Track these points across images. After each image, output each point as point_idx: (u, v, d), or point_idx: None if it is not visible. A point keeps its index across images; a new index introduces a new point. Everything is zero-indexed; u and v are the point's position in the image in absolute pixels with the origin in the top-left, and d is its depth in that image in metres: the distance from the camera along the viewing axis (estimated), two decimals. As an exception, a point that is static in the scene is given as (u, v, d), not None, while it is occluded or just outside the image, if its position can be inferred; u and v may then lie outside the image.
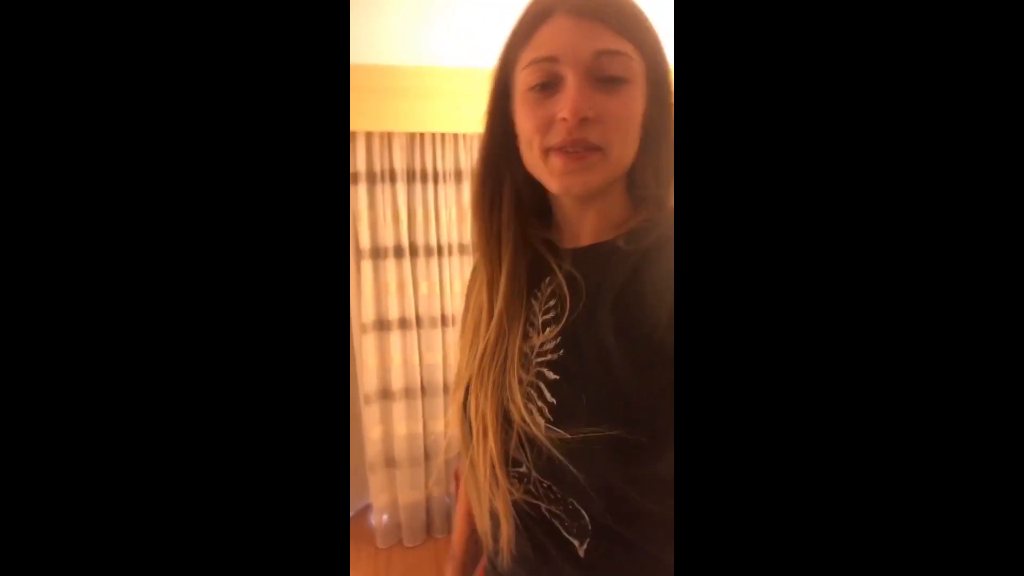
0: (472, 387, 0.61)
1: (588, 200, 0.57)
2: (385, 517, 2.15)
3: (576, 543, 0.55)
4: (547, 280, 0.60)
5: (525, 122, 0.53)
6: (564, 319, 0.56)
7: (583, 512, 0.54)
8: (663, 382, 0.47)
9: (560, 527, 0.56)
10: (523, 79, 0.53)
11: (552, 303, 0.58)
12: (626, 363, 0.51)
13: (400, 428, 2.11)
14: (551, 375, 0.55)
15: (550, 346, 0.56)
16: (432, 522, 2.23)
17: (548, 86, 0.51)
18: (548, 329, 0.57)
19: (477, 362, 0.61)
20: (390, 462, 2.14)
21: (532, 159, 0.55)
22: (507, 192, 0.60)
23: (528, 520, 0.59)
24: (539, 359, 0.57)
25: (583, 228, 0.60)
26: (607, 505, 0.53)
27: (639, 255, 0.54)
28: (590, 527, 0.54)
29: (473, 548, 0.76)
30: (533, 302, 0.60)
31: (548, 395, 0.54)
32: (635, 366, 0.51)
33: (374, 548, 2.15)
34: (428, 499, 2.20)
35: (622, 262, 0.54)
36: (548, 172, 0.53)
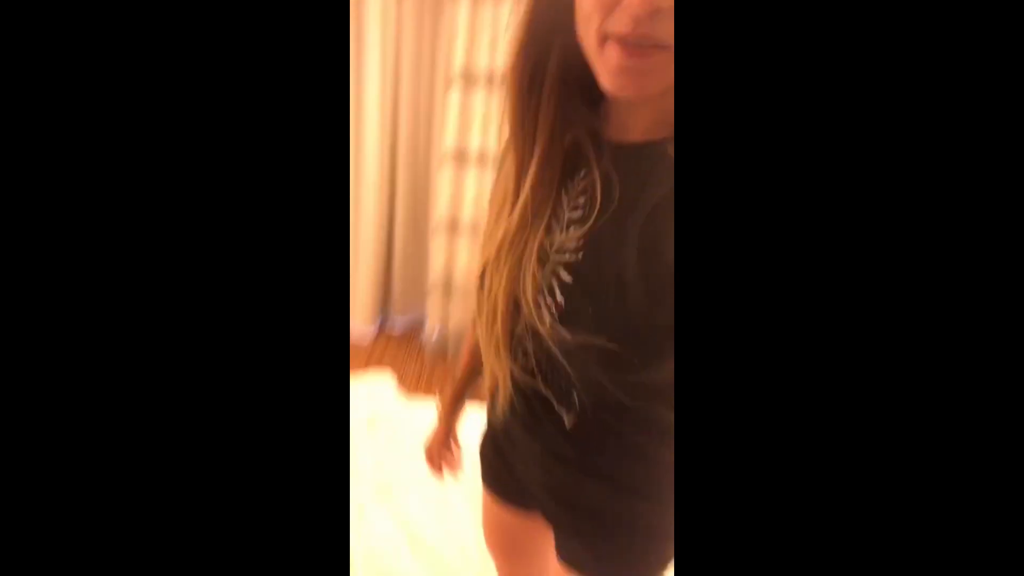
0: (488, 269, 0.60)
1: (638, 102, 0.50)
2: (435, 335, 2.35)
3: (565, 417, 0.60)
4: (582, 173, 0.55)
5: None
6: (591, 222, 0.53)
7: (574, 398, 0.59)
8: (670, 319, 0.46)
9: (553, 401, 0.61)
10: None
11: (582, 200, 0.54)
12: (640, 287, 0.50)
13: (462, 259, 2.21)
14: (566, 276, 0.55)
15: (571, 246, 0.54)
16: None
17: None
18: (572, 228, 0.54)
19: (495, 246, 0.59)
20: (447, 288, 2.27)
21: (588, 41, 0.46)
22: (553, 65, 0.52)
23: (525, 389, 0.63)
24: (557, 257, 0.55)
25: (633, 121, 0.53)
26: (595, 400, 0.58)
27: None
28: (578, 407, 0.59)
29: (472, 376, 0.83)
30: (563, 195, 0.56)
31: (559, 295, 0.55)
32: (648, 294, 0.50)
33: (421, 360, 2.39)
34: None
35: (666, 172, 0.48)
36: (602, 63, 0.45)
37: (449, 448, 0.86)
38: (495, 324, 0.60)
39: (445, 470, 0.87)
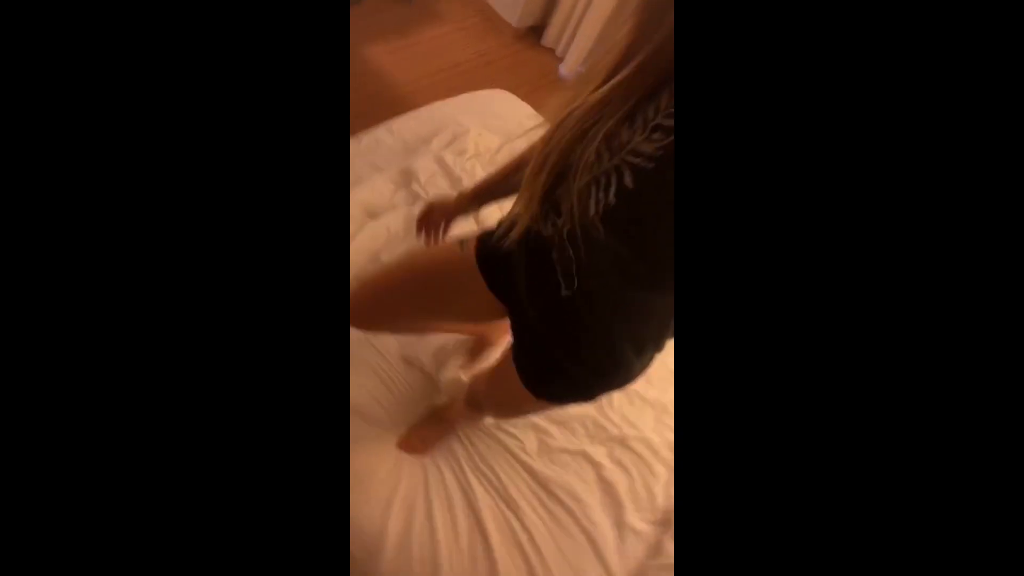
0: (560, 121, 0.58)
1: None
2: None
3: (562, 285, 0.64)
4: None
5: None
6: (671, 143, 0.50)
7: (575, 279, 0.63)
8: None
9: (558, 269, 0.64)
10: None
11: (673, 111, 0.51)
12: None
13: None
14: (628, 180, 0.53)
15: (647, 151, 0.52)
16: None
17: None
18: (657, 135, 0.51)
19: (573, 107, 0.56)
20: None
21: None
22: None
23: (535, 244, 0.67)
24: (629, 157, 0.53)
25: None
26: (595, 290, 0.62)
27: None
28: (575, 286, 0.63)
29: (507, 184, 0.84)
30: (664, 95, 0.52)
31: (612, 195, 0.54)
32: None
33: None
34: None
35: None
36: None
37: (441, 225, 0.91)
38: (539, 175, 0.60)
39: (425, 235, 0.93)
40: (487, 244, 0.79)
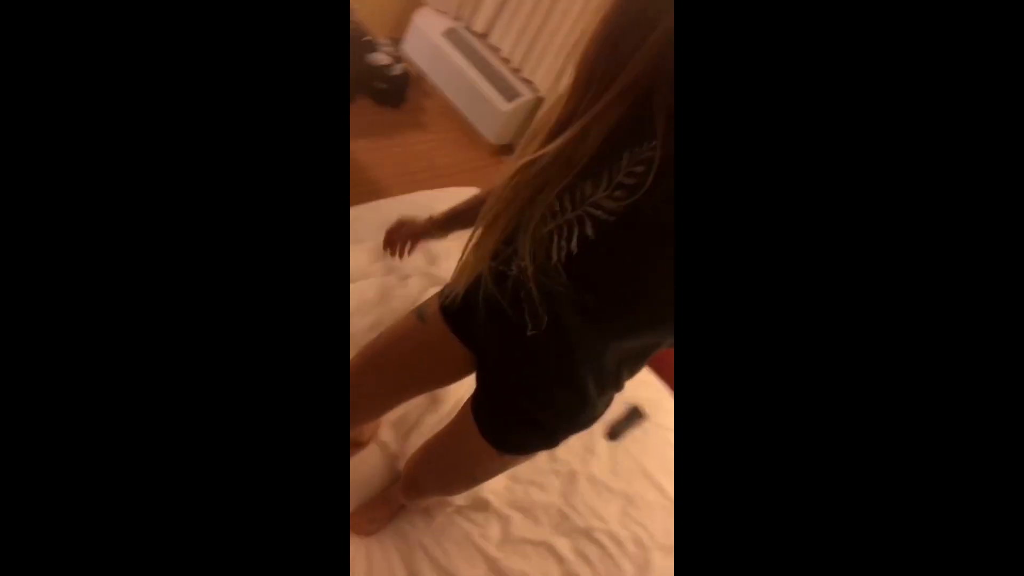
0: (521, 167, 0.59)
1: None
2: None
3: (530, 324, 0.65)
4: (650, 144, 0.54)
5: None
6: (637, 196, 0.53)
7: (542, 319, 0.64)
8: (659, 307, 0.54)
9: (524, 307, 0.65)
10: None
11: (639, 170, 0.54)
12: (653, 278, 0.54)
13: None
14: (590, 231, 0.56)
15: (609, 206, 0.55)
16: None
17: None
18: (618, 192, 0.54)
19: (536, 152, 0.57)
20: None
21: None
22: (665, 24, 0.49)
23: (500, 285, 0.67)
24: (591, 209, 0.56)
25: None
26: (557, 332, 0.63)
27: None
28: (542, 326, 0.64)
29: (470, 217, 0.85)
30: (624, 156, 0.55)
31: (575, 243, 0.57)
32: (657, 284, 0.54)
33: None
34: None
35: None
36: None
37: (408, 243, 0.93)
38: (500, 219, 0.61)
39: (391, 248, 0.94)
40: (451, 297, 0.79)
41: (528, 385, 0.71)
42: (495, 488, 1.26)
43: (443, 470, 0.91)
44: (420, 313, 0.85)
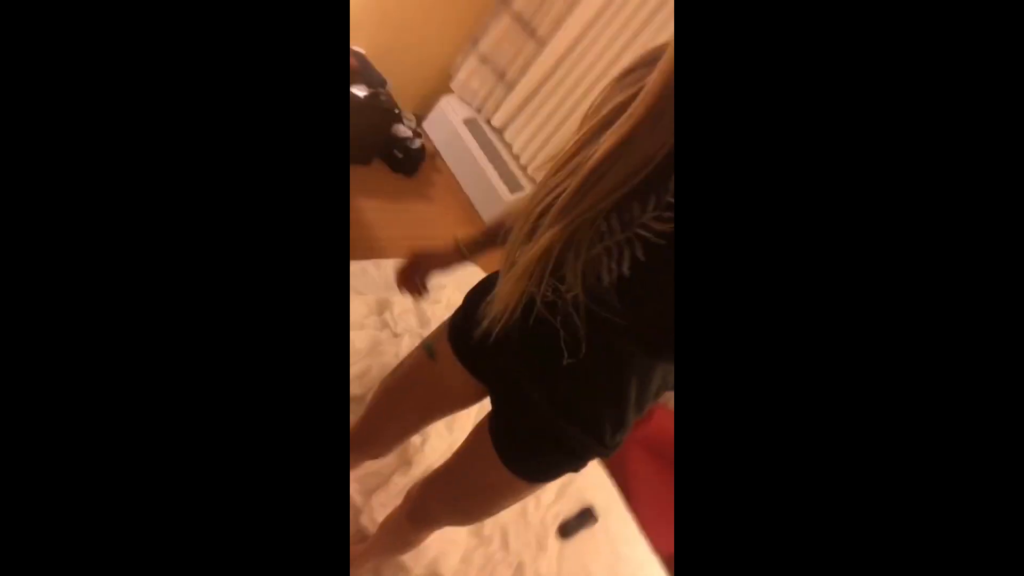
0: (564, 177, 0.57)
1: None
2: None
3: (565, 353, 0.64)
4: None
5: None
6: None
7: (582, 347, 0.62)
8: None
9: (561, 334, 0.63)
10: None
11: None
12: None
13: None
14: (640, 254, 0.55)
15: (659, 228, 0.54)
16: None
17: None
18: (668, 212, 0.53)
19: (589, 163, 0.55)
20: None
21: None
22: None
23: (533, 314, 0.65)
24: (641, 231, 0.55)
25: None
26: (599, 357, 0.62)
27: None
28: (581, 354, 0.62)
29: (490, 244, 0.84)
30: (672, 175, 0.54)
31: (626, 267, 0.56)
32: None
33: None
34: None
35: None
36: None
37: (419, 279, 0.90)
38: (537, 242, 0.59)
39: (408, 289, 0.91)
40: (464, 332, 0.78)
41: (564, 410, 0.68)
42: (449, 567, 1.24)
43: (459, 498, 0.87)
44: (429, 349, 0.84)
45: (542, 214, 0.59)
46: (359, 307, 1.53)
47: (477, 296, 0.77)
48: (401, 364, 0.90)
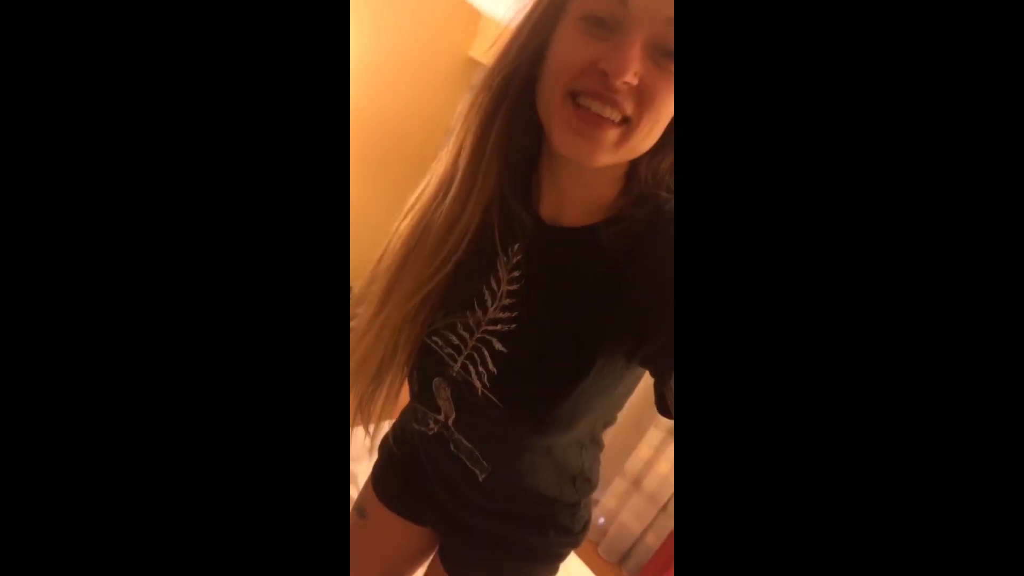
0: (396, 303, 0.56)
1: (581, 172, 0.50)
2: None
3: (477, 472, 0.62)
4: (516, 247, 0.54)
5: (561, 52, 0.44)
6: (525, 295, 0.53)
7: (484, 462, 0.61)
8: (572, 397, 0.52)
9: (463, 459, 0.63)
10: (580, 4, 0.43)
11: (517, 274, 0.53)
12: (562, 367, 0.51)
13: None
14: (499, 346, 0.54)
15: (503, 316, 0.54)
16: None
17: (603, 25, 0.42)
18: (508, 299, 0.54)
19: (413, 284, 0.55)
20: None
21: (548, 97, 0.45)
22: (500, 121, 0.50)
23: (429, 448, 0.67)
24: (488, 326, 0.54)
25: (567, 201, 0.52)
26: (507, 459, 0.61)
27: (619, 256, 0.48)
28: (489, 468, 0.61)
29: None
30: (499, 263, 0.54)
31: (491, 364, 0.54)
32: (566, 371, 0.51)
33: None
34: None
35: (597, 258, 0.50)
36: (558, 120, 0.45)
37: None
38: (391, 364, 0.60)
39: None
40: (386, 480, 0.79)
41: (506, 519, 0.67)
42: None
43: None
44: (359, 510, 0.82)
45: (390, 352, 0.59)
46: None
47: (390, 443, 0.79)
48: None
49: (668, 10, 0.40)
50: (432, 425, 0.63)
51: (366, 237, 2.07)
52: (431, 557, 0.80)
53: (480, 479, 0.63)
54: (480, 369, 0.55)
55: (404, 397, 0.66)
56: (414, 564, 0.84)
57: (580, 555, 1.89)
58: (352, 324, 0.60)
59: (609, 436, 2.09)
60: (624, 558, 2.09)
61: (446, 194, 0.53)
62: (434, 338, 0.57)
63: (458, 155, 0.52)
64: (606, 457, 2.25)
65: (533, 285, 0.53)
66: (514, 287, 0.53)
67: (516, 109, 0.50)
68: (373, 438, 0.71)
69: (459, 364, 0.56)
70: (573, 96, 0.43)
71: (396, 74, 1.90)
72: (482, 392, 0.55)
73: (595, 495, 2.28)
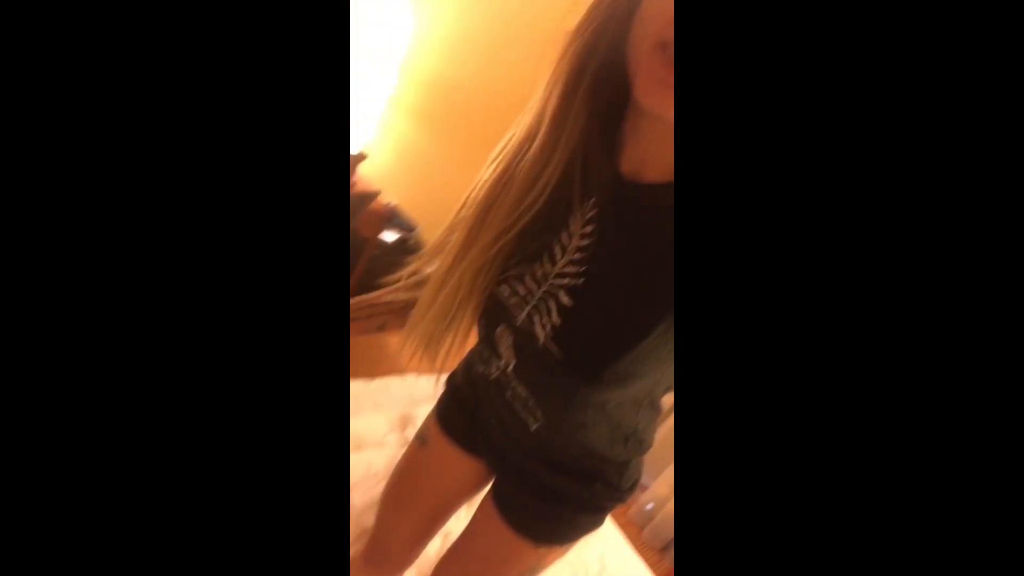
0: (475, 252, 0.58)
1: (664, 127, 0.48)
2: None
3: (530, 421, 0.64)
4: (591, 201, 0.54)
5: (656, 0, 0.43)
6: (595, 250, 0.53)
7: (539, 411, 0.62)
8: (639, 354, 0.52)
9: (515, 405, 0.64)
10: None
11: (590, 229, 0.54)
12: (628, 325, 0.51)
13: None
14: (566, 300, 0.54)
15: (571, 271, 0.54)
16: None
17: None
18: (578, 254, 0.54)
19: (491, 241, 0.57)
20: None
21: (638, 47, 0.45)
22: (590, 73, 0.50)
23: (488, 390, 0.68)
24: (555, 279, 0.55)
25: (648, 157, 0.52)
26: (560, 411, 0.61)
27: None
28: (543, 418, 0.62)
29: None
30: (572, 219, 0.55)
31: (555, 315, 0.55)
32: (634, 329, 0.51)
33: None
34: None
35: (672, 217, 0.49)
36: (644, 71, 0.44)
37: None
38: (465, 309, 0.62)
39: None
40: (451, 412, 0.81)
41: (556, 469, 0.68)
42: None
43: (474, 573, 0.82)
44: (420, 438, 0.84)
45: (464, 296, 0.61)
46: (379, 423, 1.39)
47: (457, 378, 0.81)
48: (396, 466, 0.88)
49: None
50: (493, 370, 0.65)
51: (438, 192, 2.17)
52: (484, 493, 0.81)
53: (532, 428, 0.64)
54: (544, 320, 0.56)
55: (473, 338, 0.69)
56: (466, 496, 0.86)
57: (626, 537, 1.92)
58: (430, 271, 0.63)
59: (664, 430, 2.10)
60: (668, 546, 2.10)
61: (531, 145, 0.53)
62: (502, 287, 0.59)
63: (545, 105, 0.52)
64: (661, 445, 2.26)
65: (604, 240, 0.53)
66: (585, 242, 0.54)
67: (605, 60, 0.49)
68: (437, 382, 0.75)
69: (524, 314, 0.57)
70: (663, 47, 0.42)
71: (495, 45, 1.94)
72: (544, 342, 0.56)
73: (645, 480, 2.34)
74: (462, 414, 0.78)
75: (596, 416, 0.61)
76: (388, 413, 1.45)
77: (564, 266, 0.55)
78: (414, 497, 0.85)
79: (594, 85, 0.51)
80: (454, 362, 0.74)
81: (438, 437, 0.81)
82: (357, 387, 1.61)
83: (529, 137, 0.54)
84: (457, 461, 0.80)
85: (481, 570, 0.79)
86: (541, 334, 0.56)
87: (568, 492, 0.69)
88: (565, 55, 0.51)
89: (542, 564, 0.76)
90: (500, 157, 0.57)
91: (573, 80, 0.50)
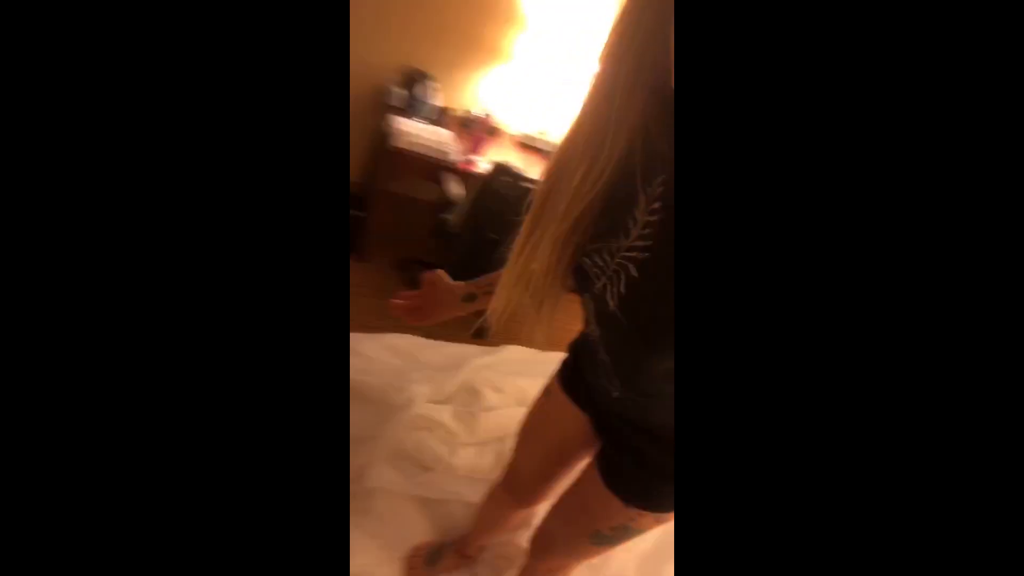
0: (548, 223, 0.60)
1: None
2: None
3: (610, 388, 0.69)
4: (660, 179, 0.55)
5: None
6: (662, 227, 0.54)
7: (616, 380, 0.66)
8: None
9: (601, 371, 0.68)
10: None
11: (658, 205, 0.55)
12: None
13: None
14: (634, 272, 0.57)
15: (639, 245, 0.56)
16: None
17: None
18: (647, 230, 0.56)
19: (564, 212, 0.59)
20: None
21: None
22: (644, 48, 0.50)
23: (585, 349, 0.73)
24: (626, 253, 0.58)
25: None
26: (633, 380, 0.65)
27: None
28: (620, 385, 0.67)
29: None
30: (641, 194, 0.56)
31: (623, 286, 0.58)
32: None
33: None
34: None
35: None
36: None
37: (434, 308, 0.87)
38: (552, 277, 0.64)
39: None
40: (568, 366, 0.86)
41: (643, 432, 0.72)
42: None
43: (574, 536, 0.89)
44: (547, 390, 0.91)
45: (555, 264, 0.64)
46: (533, 389, 1.55)
47: (582, 337, 0.82)
48: (529, 410, 0.98)
49: None
50: (590, 335, 0.68)
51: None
52: (590, 459, 0.85)
53: (614, 395, 0.68)
54: (613, 289, 0.59)
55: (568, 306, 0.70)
56: (577, 454, 0.91)
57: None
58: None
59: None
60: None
61: (591, 122, 0.55)
62: (584, 259, 0.62)
63: (605, 77, 0.53)
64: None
65: (670, 217, 0.54)
66: (654, 218, 0.55)
67: (658, 34, 0.49)
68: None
69: (600, 283, 0.61)
70: None
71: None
72: (612, 309, 0.60)
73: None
74: (574, 373, 0.83)
75: (665, 388, 0.63)
76: (540, 380, 1.61)
77: (635, 239, 0.57)
78: (539, 439, 0.94)
79: (651, 61, 0.51)
80: (558, 329, 0.74)
81: (557, 391, 0.87)
82: (526, 354, 1.95)
83: (593, 105, 0.55)
84: (571, 415, 0.85)
85: (578, 518, 0.86)
86: (611, 303, 0.60)
87: (654, 460, 0.72)
88: (623, 17, 0.51)
89: (638, 525, 0.78)
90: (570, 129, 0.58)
91: (631, 55, 0.51)
